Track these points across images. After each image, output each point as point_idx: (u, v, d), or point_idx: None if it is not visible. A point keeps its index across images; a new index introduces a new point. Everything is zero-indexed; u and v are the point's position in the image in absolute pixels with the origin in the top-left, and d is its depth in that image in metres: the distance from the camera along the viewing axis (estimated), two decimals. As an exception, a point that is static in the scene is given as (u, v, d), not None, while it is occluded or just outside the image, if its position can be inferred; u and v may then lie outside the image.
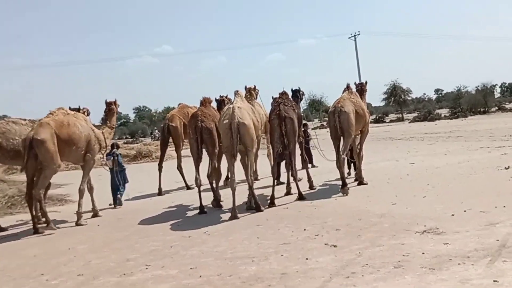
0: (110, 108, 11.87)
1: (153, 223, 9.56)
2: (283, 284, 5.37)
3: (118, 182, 12.04)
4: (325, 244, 6.83)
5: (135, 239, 8.24)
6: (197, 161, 10.38)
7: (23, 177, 20.18)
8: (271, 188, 10.61)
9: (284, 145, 10.52)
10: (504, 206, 8.09)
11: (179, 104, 15.07)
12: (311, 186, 11.88)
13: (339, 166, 11.08)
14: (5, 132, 10.20)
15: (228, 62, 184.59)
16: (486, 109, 57.37)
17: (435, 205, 8.81)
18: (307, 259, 6.19)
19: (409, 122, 51.50)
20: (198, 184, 10.38)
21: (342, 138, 11.28)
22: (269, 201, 10.28)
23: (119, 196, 12.03)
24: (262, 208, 9.83)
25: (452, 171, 12.72)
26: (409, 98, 67.36)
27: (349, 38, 77.05)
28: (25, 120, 10.77)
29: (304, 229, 7.78)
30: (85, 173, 10.55)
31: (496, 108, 58.86)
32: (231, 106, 9.95)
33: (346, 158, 11.68)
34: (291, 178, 11.26)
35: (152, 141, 45.12)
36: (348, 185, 11.27)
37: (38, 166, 9.52)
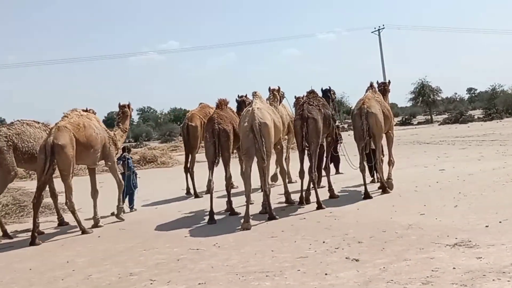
0: (123, 111, 12.41)
1: (158, 234, 9.61)
2: (300, 302, 5.37)
3: (132, 186, 12.55)
4: (346, 258, 6.81)
5: (139, 251, 8.28)
6: (212, 164, 10.63)
7: (17, 184, 20.43)
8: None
9: (303, 147, 10.86)
10: (544, 217, 8.03)
11: (200, 103, 15.25)
12: (333, 195, 11.84)
13: (363, 169, 11.59)
14: (21, 134, 10.51)
15: (238, 59, 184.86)
16: (524, 110, 56.89)
17: (467, 215, 8.77)
18: (326, 274, 6.18)
19: (439, 125, 51.19)
20: (211, 188, 10.62)
21: (371, 140, 11.73)
22: (298, 201, 11.05)
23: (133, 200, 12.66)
24: (277, 217, 9.97)
25: (486, 178, 12.65)
26: (438, 98, 66.80)
27: (372, 32, 77.02)
28: (38, 123, 11.10)
29: (323, 242, 7.78)
30: (115, 176, 11.37)
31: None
32: (250, 108, 10.32)
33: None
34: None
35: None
36: (375, 194, 11.37)
37: (53, 172, 9.89)
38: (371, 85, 12.87)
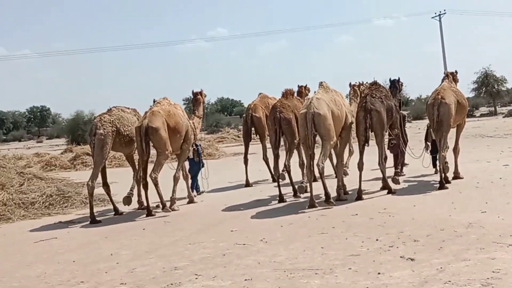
0: (196, 98, 13.68)
1: (204, 228, 9.72)
2: (351, 301, 5.36)
3: (199, 171, 13.65)
4: (401, 257, 6.75)
5: (184, 245, 8.40)
6: (276, 150, 11.80)
7: (62, 174, 21.02)
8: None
9: (366, 138, 11.38)
10: None
11: (260, 94, 16.11)
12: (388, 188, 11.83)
13: (442, 158, 11.97)
14: (121, 119, 11.76)
15: (290, 46, 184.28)
16: None
17: (533, 214, 8.55)
18: (379, 273, 6.14)
19: (504, 117, 49.91)
20: (288, 170, 12.09)
21: (439, 130, 12.01)
22: (356, 196, 11.26)
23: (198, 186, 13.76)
24: (332, 202, 10.74)
25: (554, 174, 12.29)
26: (503, 89, 65.04)
27: (432, 18, 75.82)
28: (128, 108, 12.48)
29: (376, 239, 7.73)
30: (180, 161, 12.20)
31: None
32: (310, 97, 11.25)
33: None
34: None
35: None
36: (430, 190, 11.26)
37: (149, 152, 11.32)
38: (447, 75, 13.36)
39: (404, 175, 14.15)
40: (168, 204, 11.52)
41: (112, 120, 11.49)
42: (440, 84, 12.92)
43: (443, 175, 11.90)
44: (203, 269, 6.89)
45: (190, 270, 6.90)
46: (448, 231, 7.86)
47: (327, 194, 10.69)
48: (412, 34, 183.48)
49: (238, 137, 39.51)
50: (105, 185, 12.01)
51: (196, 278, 6.53)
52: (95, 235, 9.76)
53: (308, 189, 11.03)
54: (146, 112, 11.46)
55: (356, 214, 9.73)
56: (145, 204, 11.41)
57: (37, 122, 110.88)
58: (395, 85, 13.53)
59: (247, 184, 14.81)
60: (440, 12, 74.53)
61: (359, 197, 11.19)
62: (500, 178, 12.36)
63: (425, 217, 9.00)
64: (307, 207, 10.60)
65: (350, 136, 12.30)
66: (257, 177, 15.61)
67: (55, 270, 7.48)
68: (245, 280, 6.30)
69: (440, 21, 74.27)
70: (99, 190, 15.62)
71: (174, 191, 11.77)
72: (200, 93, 13.75)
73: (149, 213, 11.16)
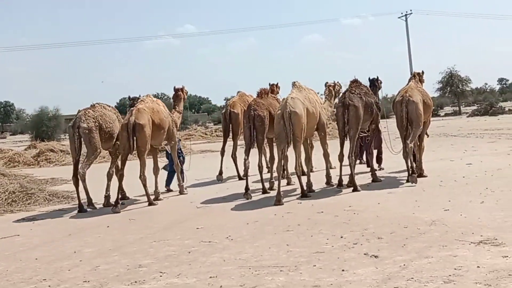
0: (177, 94, 14.26)
1: (169, 225, 9.67)
2: (315, 298, 5.39)
3: (178, 165, 13.46)
4: (365, 254, 6.82)
5: (148, 243, 8.34)
6: (248, 147, 12.28)
7: (25, 171, 20.70)
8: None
9: (345, 133, 12.02)
10: None
11: (238, 92, 16.70)
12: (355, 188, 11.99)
13: (406, 156, 12.25)
14: (103, 115, 12.20)
15: (259, 44, 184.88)
16: (559, 102, 56.23)
17: (494, 212, 8.70)
18: (343, 270, 6.19)
19: (467, 116, 50.79)
20: (247, 166, 12.04)
21: (409, 128, 12.42)
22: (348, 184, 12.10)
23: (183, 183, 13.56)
24: (309, 195, 11.49)
25: (515, 173, 12.53)
26: (467, 89, 66.06)
27: (399, 18, 76.59)
28: (110, 106, 13.02)
29: (341, 237, 7.78)
30: (173, 155, 13.26)
31: None
32: (286, 97, 11.80)
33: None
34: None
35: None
36: (395, 188, 11.38)
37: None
38: (414, 75, 13.83)
39: (383, 169, 14.88)
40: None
41: (96, 116, 11.94)
42: (407, 84, 13.33)
43: (413, 168, 12.47)
44: (168, 267, 6.86)
45: (155, 268, 6.85)
46: (411, 229, 7.95)
47: (302, 188, 11.47)
48: (380, 34, 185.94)
49: (206, 134, 39.50)
50: (75, 177, 11.87)
51: (161, 276, 6.49)
52: (58, 233, 9.63)
53: (275, 186, 11.64)
54: (131, 110, 11.83)
55: (322, 212, 9.79)
56: (115, 196, 11.51)
57: (0, 117, 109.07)
58: (375, 83, 14.10)
59: (220, 173, 15.19)
60: (406, 12, 75.35)
61: (339, 185, 12.18)
62: (463, 177, 12.56)
63: (389, 215, 9.10)
64: (273, 203, 10.86)
65: (326, 129, 12.96)
66: (224, 175, 15.60)
67: (17, 268, 7.36)
68: (210, 277, 6.28)
69: (406, 21, 75.13)
70: (62, 187, 15.53)
71: (179, 178, 13.05)
72: (182, 89, 14.34)
73: (116, 204, 11.31)
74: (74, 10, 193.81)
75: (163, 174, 13.62)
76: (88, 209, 11.68)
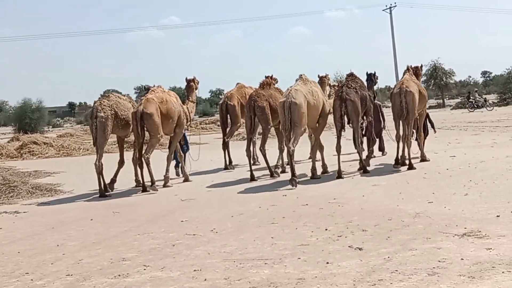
0: (189, 85, 14.88)
1: (154, 218, 9.61)
2: (299, 291, 5.37)
3: (182, 154, 14.27)
4: (349, 246, 6.81)
5: (132, 236, 8.29)
6: (249, 135, 13.55)
7: (8, 163, 20.52)
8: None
9: (342, 124, 12.82)
10: (559, 208, 8.01)
11: (237, 83, 17.23)
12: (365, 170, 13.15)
13: (399, 138, 13.32)
14: (118, 104, 12.82)
15: (244, 37, 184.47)
16: (541, 95, 56.66)
17: (478, 204, 8.74)
18: (327, 263, 6.19)
19: (451, 109, 51.13)
20: (249, 154, 13.42)
21: (405, 117, 13.19)
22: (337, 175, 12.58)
23: (179, 169, 14.62)
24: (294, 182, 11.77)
25: (499, 166, 12.62)
26: (451, 81, 66.59)
27: (383, 10, 76.55)
28: (124, 95, 14.29)
29: (326, 229, 7.78)
30: (174, 143, 13.62)
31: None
32: (290, 88, 12.51)
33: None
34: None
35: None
36: (380, 180, 11.50)
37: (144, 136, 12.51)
38: (408, 68, 14.68)
39: (375, 156, 15.34)
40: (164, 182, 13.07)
41: (111, 105, 12.57)
42: (402, 77, 14.33)
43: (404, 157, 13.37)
44: (152, 260, 6.81)
45: (139, 261, 6.81)
46: (395, 221, 7.97)
47: (293, 174, 11.86)
48: (364, 26, 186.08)
49: (191, 126, 39.36)
50: (121, 163, 13.21)
51: (145, 269, 6.44)
52: (41, 226, 9.54)
53: (287, 170, 13.48)
54: (141, 99, 12.68)
55: (307, 204, 9.79)
56: (141, 182, 12.64)
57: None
58: (371, 78, 14.90)
59: (226, 167, 15.81)
60: (391, 5, 75.34)
61: (339, 176, 12.49)
62: (447, 169, 12.62)
63: (374, 207, 9.12)
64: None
65: (326, 121, 13.62)
66: (208, 167, 15.59)
67: (-2, 262, 7.29)
68: (194, 270, 6.25)
69: (390, 14, 75.09)
70: (46, 180, 15.41)
71: (167, 170, 13.18)
72: (193, 80, 14.93)
73: (144, 189, 12.41)
74: (57, 0, 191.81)
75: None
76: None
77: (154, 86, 13.58)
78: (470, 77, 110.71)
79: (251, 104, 13.28)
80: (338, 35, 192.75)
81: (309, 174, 12.92)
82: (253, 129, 13.45)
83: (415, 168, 13.01)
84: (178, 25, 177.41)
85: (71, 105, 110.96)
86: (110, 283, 6.05)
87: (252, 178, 13.02)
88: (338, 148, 12.72)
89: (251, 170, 13.30)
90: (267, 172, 13.61)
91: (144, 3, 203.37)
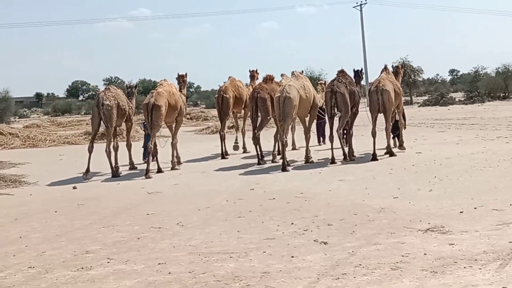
0: (183, 80, 16.14)
1: (119, 211, 9.51)
2: (264, 285, 5.37)
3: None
4: (314, 240, 6.84)
5: (97, 228, 8.20)
6: (254, 123, 14.83)
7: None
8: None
9: (331, 114, 14.03)
10: (520, 204, 8.14)
11: (229, 77, 18.15)
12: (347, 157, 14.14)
13: (374, 134, 14.18)
14: (119, 95, 14.33)
15: (214, 30, 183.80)
16: (507, 94, 57.62)
17: (442, 200, 8.85)
18: (292, 257, 6.20)
19: (419, 106, 51.62)
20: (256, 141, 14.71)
21: (383, 113, 14.61)
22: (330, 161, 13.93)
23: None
24: (288, 169, 13.29)
25: (463, 163, 12.80)
26: (419, 79, 66.92)
27: (354, 7, 76.36)
28: (120, 89, 15.39)
29: (292, 223, 7.80)
30: (176, 131, 15.33)
31: (518, 93, 59.05)
32: (284, 83, 13.99)
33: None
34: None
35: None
36: (346, 175, 11.50)
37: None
38: (385, 67, 16.01)
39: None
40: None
41: (114, 95, 14.02)
42: (379, 75, 15.48)
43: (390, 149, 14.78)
44: (116, 253, 6.75)
45: (102, 254, 6.73)
46: (361, 216, 8.03)
47: (284, 162, 13.30)
48: (335, 23, 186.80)
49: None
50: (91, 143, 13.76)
51: (108, 262, 6.38)
52: (4, 218, 9.36)
53: (278, 157, 14.65)
54: (152, 92, 14.18)
55: (274, 198, 9.79)
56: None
57: None
58: (358, 74, 15.68)
59: (223, 156, 16.83)
60: (361, 2, 75.51)
61: (332, 161, 13.88)
62: (413, 165, 12.76)
63: (340, 202, 9.17)
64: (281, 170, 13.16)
65: (316, 112, 15.27)
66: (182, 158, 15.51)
67: (-42, 254, 7.14)
68: (159, 264, 6.20)
69: (361, 11, 75.08)
70: (10, 171, 15.17)
71: (173, 155, 14.65)
72: (185, 75, 16.23)
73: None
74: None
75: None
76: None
77: (163, 79, 15.00)
78: (438, 75, 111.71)
79: (254, 96, 14.79)
80: (308, 31, 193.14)
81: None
82: (256, 117, 14.80)
83: (395, 155, 14.48)
84: (148, 17, 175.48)
85: (38, 95, 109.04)
86: (72, 275, 5.97)
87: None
88: (332, 138, 14.00)
89: (257, 154, 14.73)
90: (254, 160, 14.98)
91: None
